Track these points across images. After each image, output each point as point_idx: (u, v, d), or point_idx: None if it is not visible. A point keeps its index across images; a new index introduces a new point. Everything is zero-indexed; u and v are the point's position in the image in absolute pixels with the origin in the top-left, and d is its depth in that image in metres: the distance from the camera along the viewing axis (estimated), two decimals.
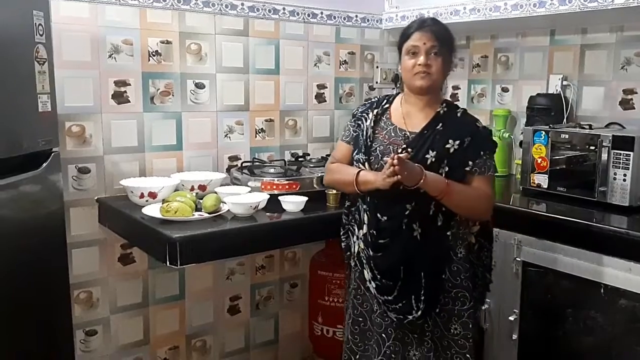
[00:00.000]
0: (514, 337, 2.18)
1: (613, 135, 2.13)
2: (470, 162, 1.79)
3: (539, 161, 2.35)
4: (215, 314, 2.77)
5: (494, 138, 1.91)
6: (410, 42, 1.78)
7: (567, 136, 2.29)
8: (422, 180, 1.68)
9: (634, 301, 1.87)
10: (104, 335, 2.47)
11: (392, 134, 1.85)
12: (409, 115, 1.86)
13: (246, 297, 2.86)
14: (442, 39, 1.78)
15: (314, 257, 2.83)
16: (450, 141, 1.78)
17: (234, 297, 2.82)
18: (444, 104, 1.86)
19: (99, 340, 2.46)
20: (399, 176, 1.65)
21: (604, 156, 2.13)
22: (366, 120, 1.89)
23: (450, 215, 1.81)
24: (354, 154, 1.90)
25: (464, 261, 1.85)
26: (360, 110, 1.95)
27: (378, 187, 1.75)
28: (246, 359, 2.90)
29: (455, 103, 1.97)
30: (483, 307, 2.15)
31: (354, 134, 1.92)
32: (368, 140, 1.86)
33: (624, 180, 2.09)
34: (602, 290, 1.94)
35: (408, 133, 1.83)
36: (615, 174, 2.11)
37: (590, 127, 2.33)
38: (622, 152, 2.09)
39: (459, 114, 1.85)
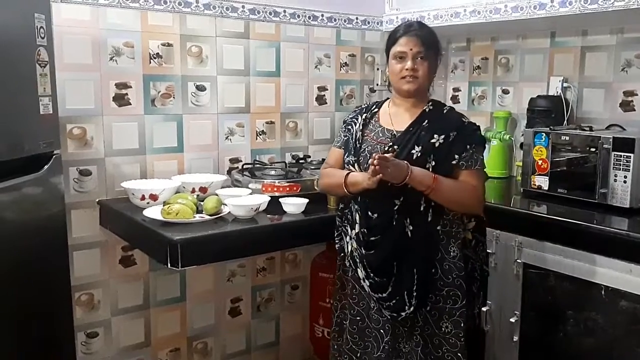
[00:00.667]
0: (515, 338, 2.18)
1: (613, 137, 2.13)
2: (457, 156, 1.81)
3: (539, 163, 2.35)
4: (216, 316, 2.77)
5: (482, 134, 1.93)
6: (398, 47, 1.84)
7: (567, 138, 2.29)
8: (408, 177, 1.72)
9: (635, 303, 1.87)
10: (105, 338, 2.47)
11: (380, 135, 1.90)
12: (396, 116, 1.91)
13: (247, 299, 2.86)
14: (428, 44, 1.83)
15: (315, 259, 2.83)
16: (436, 136, 1.81)
17: (235, 299, 2.82)
18: (430, 103, 1.90)
19: (100, 343, 2.46)
20: (381, 175, 1.69)
21: (605, 158, 2.14)
22: (355, 125, 1.95)
23: (440, 210, 1.82)
24: (345, 156, 1.94)
25: (457, 260, 1.85)
26: (350, 116, 2.01)
27: (365, 188, 1.79)
28: None
29: (442, 102, 1.99)
30: (484, 309, 2.15)
31: (345, 139, 1.97)
32: (357, 142, 1.91)
33: (625, 182, 2.09)
34: (602, 292, 1.94)
35: (395, 132, 1.87)
36: (615, 175, 2.12)
37: (591, 128, 2.33)
38: (622, 154, 2.10)
39: (445, 111, 1.90)
